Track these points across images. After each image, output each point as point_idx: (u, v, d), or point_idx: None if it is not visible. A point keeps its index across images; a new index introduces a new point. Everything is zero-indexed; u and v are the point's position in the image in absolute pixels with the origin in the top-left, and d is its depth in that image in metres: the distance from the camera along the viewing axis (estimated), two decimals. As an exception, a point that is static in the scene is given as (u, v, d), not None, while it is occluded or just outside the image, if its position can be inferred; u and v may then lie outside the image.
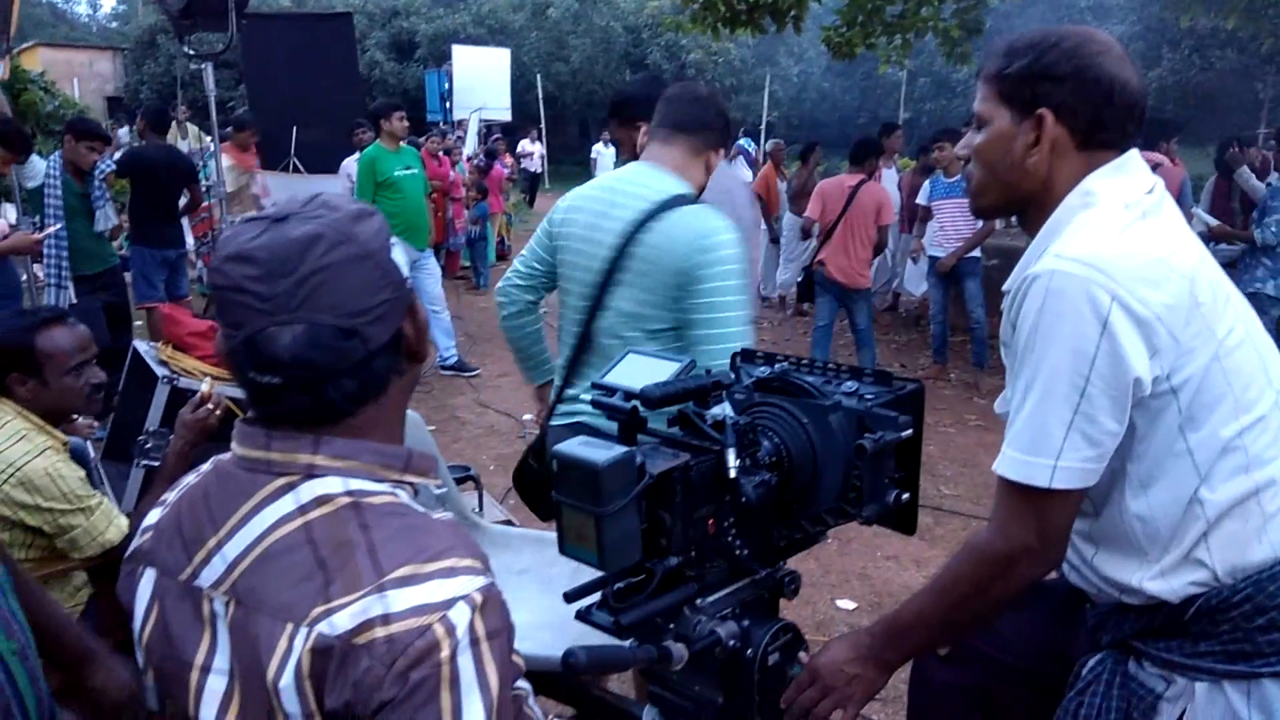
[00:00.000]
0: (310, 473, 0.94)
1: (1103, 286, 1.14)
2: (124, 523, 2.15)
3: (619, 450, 1.18)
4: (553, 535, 2.21)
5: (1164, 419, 1.20)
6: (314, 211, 0.94)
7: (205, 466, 1.06)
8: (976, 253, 6.18)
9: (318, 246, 0.90)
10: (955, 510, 4.33)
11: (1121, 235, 1.20)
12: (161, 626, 1.00)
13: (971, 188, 1.39)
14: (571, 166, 23.91)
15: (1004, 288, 1.31)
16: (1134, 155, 1.30)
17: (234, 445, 1.00)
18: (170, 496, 1.08)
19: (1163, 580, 1.23)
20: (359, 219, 0.95)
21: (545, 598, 1.98)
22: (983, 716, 1.59)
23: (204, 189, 6.61)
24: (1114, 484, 1.24)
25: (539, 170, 18.18)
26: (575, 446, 1.19)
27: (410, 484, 1.00)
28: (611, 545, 1.16)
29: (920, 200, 6.50)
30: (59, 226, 4.94)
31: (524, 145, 17.99)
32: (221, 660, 0.94)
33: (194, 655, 0.96)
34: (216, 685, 0.95)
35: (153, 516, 1.07)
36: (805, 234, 6.67)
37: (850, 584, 3.66)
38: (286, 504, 0.93)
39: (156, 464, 2.54)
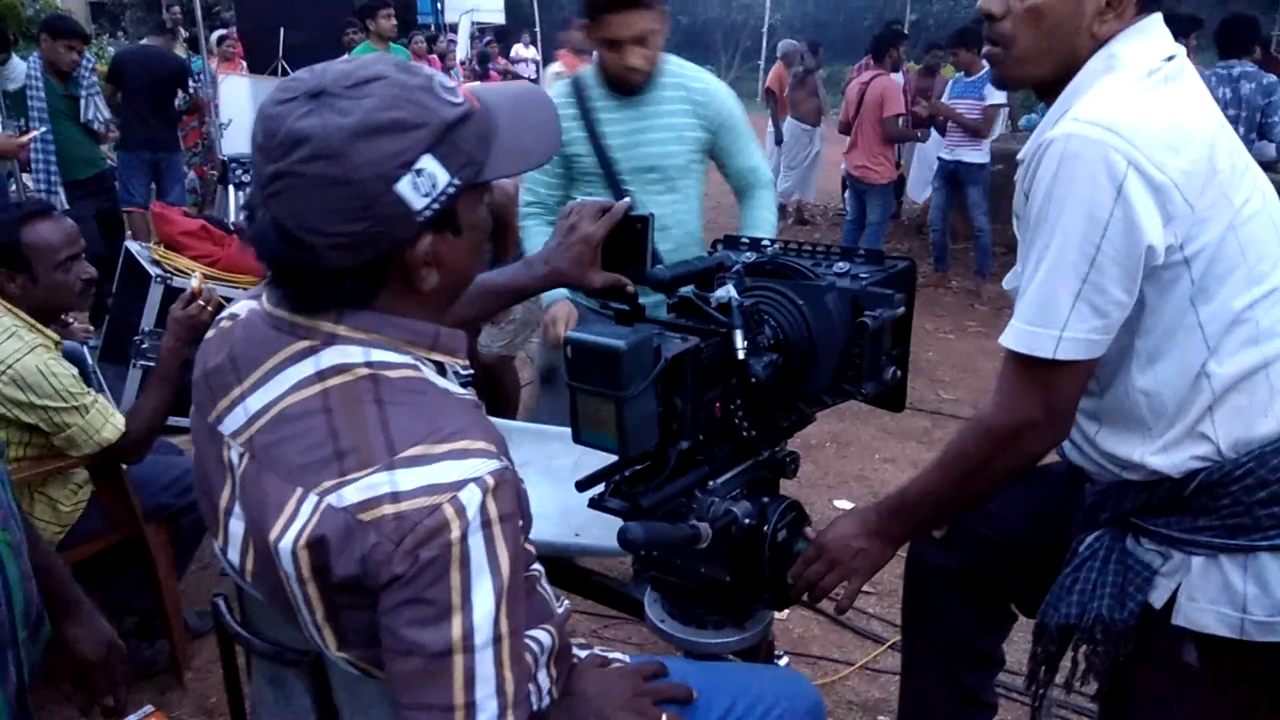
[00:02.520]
0: (332, 340, 0.92)
1: (1120, 151, 1.10)
2: (120, 421, 2.15)
3: (639, 333, 1.17)
4: (553, 429, 2.23)
5: (1175, 291, 1.17)
6: (343, 99, 0.85)
7: (241, 310, 1.03)
8: (981, 157, 6.07)
9: (301, 149, 0.84)
10: (955, 414, 4.34)
11: (1142, 99, 1.15)
12: (200, 461, 1.03)
13: (1012, 52, 1.25)
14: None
15: (1019, 156, 1.27)
16: (1157, 17, 1.24)
17: (263, 299, 0.99)
18: (210, 334, 1.05)
19: (1165, 455, 1.22)
20: (370, 135, 0.84)
21: (548, 487, 1.99)
22: (979, 597, 1.61)
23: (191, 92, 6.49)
24: (1120, 359, 1.22)
25: (535, 78, 17.75)
26: (590, 333, 1.17)
27: (436, 361, 0.98)
28: (632, 429, 1.16)
29: (944, 100, 6.30)
30: (44, 129, 4.83)
31: (517, 50, 17.52)
32: (239, 506, 0.96)
33: (220, 497, 0.99)
34: (237, 529, 0.97)
35: (207, 339, 1.06)
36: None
37: (849, 485, 3.70)
38: (306, 368, 0.92)
39: (153, 364, 2.53)
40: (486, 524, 0.85)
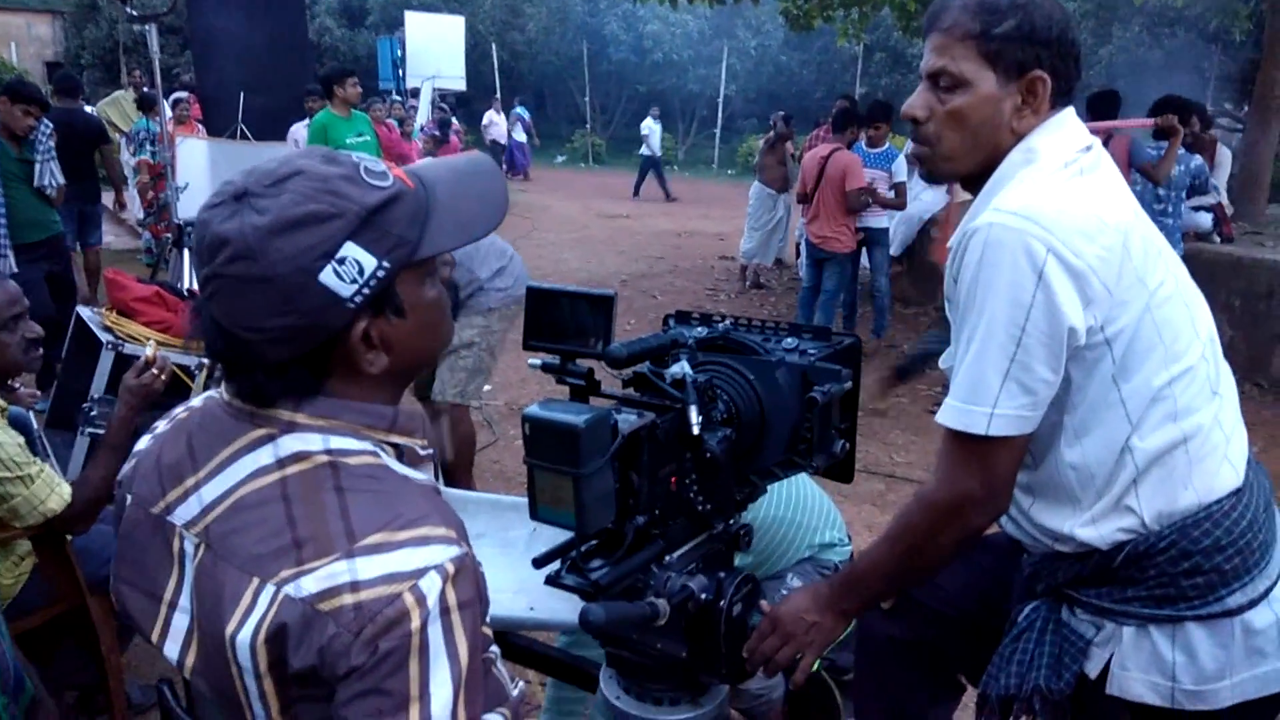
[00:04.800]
0: (291, 427, 0.93)
1: (1039, 239, 1.17)
2: (66, 491, 2.11)
3: (596, 410, 1.18)
4: (508, 499, 2.24)
5: (1099, 370, 1.23)
6: (262, 198, 0.87)
7: (196, 402, 1.05)
8: (886, 222, 6.48)
9: (224, 252, 0.86)
10: (907, 477, 4.40)
11: (1059, 190, 1.23)
12: (135, 553, 1.00)
13: (939, 151, 1.32)
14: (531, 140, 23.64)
15: (948, 244, 1.33)
16: (1069, 111, 1.32)
17: (223, 388, 0.99)
18: (160, 426, 1.07)
19: (1093, 527, 1.27)
20: (286, 231, 0.85)
21: (504, 560, 1.99)
22: (928, 667, 1.64)
23: (149, 155, 6.53)
24: (1051, 435, 1.28)
25: (506, 143, 17.94)
26: (547, 410, 1.18)
27: (394, 445, 0.98)
28: (590, 505, 1.16)
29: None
30: (-3, 194, 4.79)
31: (489, 116, 17.72)
32: (186, 599, 0.95)
33: (163, 590, 0.97)
34: (181, 623, 0.95)
35: (142, 443, 1.07)
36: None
37: (803, 549, 3.71)
38: (264, 455, 0.92)
39: (101, 431, 2.50)
40: (446, 611, 0.85)
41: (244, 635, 0.86)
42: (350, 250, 0.88)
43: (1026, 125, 1.29)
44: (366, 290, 0.89)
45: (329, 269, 0.87)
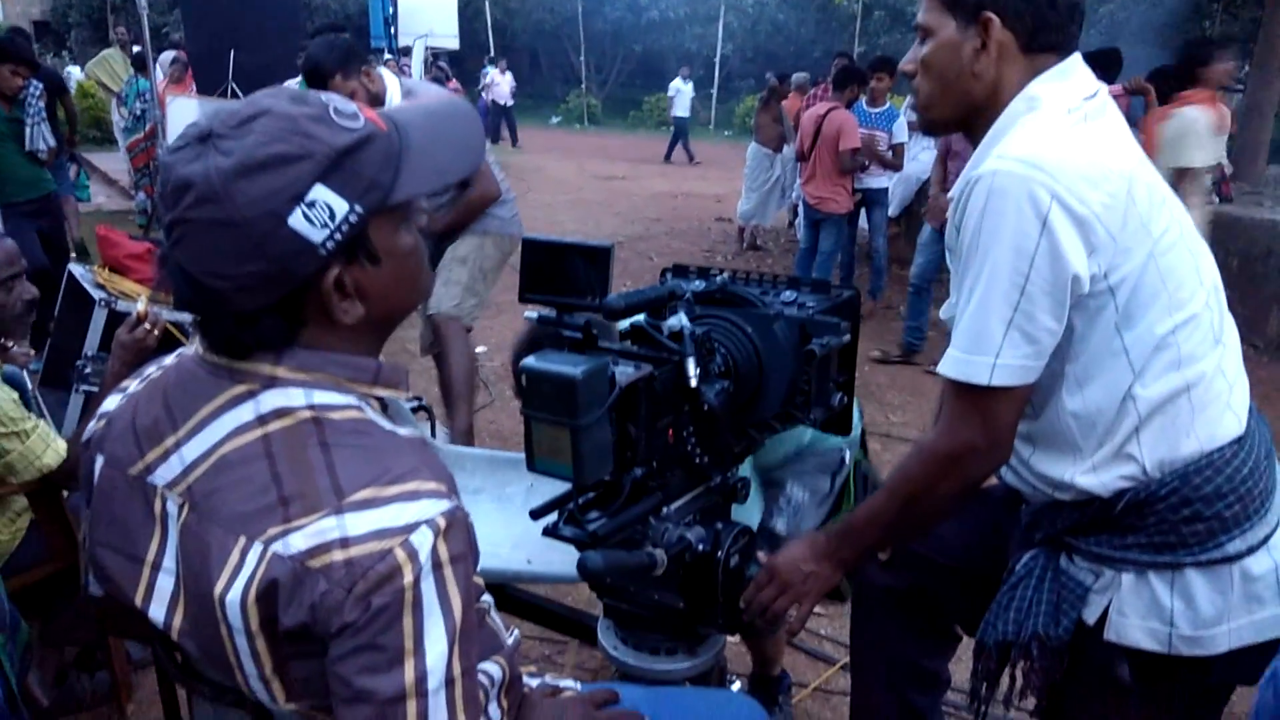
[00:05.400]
0: (271, 382, 0.91)
1: (1043, 185, 1.15)
2: (62, 447, 2.11)
3: (593, 361, 1.18)
4: (505, 455, 2.23)
5: (1101, 318, 1.22)
6: (227, 139, 0.84)
7: (169, 359, 1.02)
8: (886, 182, 6.38)
9: (186, 196, 0.84)
10: (903, 437, 4.41)
11: (1062, 137, 1.21)
12: (109, 516, 0.98)
13: (921, 101, 1.38)
14: (528, 100, 23.36)
15: (949, 194, 1.32)
16: (1076, 59, 1.31)
17: (198, 344, 0.96)
18: (131, 385, 1.04)
19: (1094, 475, 1.27)
20: (251, 172, 0.83)
21: (501, 515, 1.99)
22: (924, 618, 1.65)
23: (138, 114, 6.44)
24: (1052, 384, 1.27)
25: (509, 104, 17.68)
26: (544, 361, 1.17)
27: (378, 398, 0.97)
28: (588, 456, 1.17)
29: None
30: (-16, 152, 4.74)
31: (491, 75, 17.46)
32: (170, 560, 0.93)
33: (145, 551, 0.95)
34: (165, 584, 0.94)
35: (110, 403, 1.04)
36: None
37: (799, 507, 3.73)
38: (245, 413, 0.90)
39: (95, 389, 2.48)
40: (438, 566, 0.84)
41: (233, 595, 0.85)
42: (320, 193, 0.85)
43: (988, 70, 1.29)
44: (339, 235, 0.86)
45: (298, 212, 0.84)
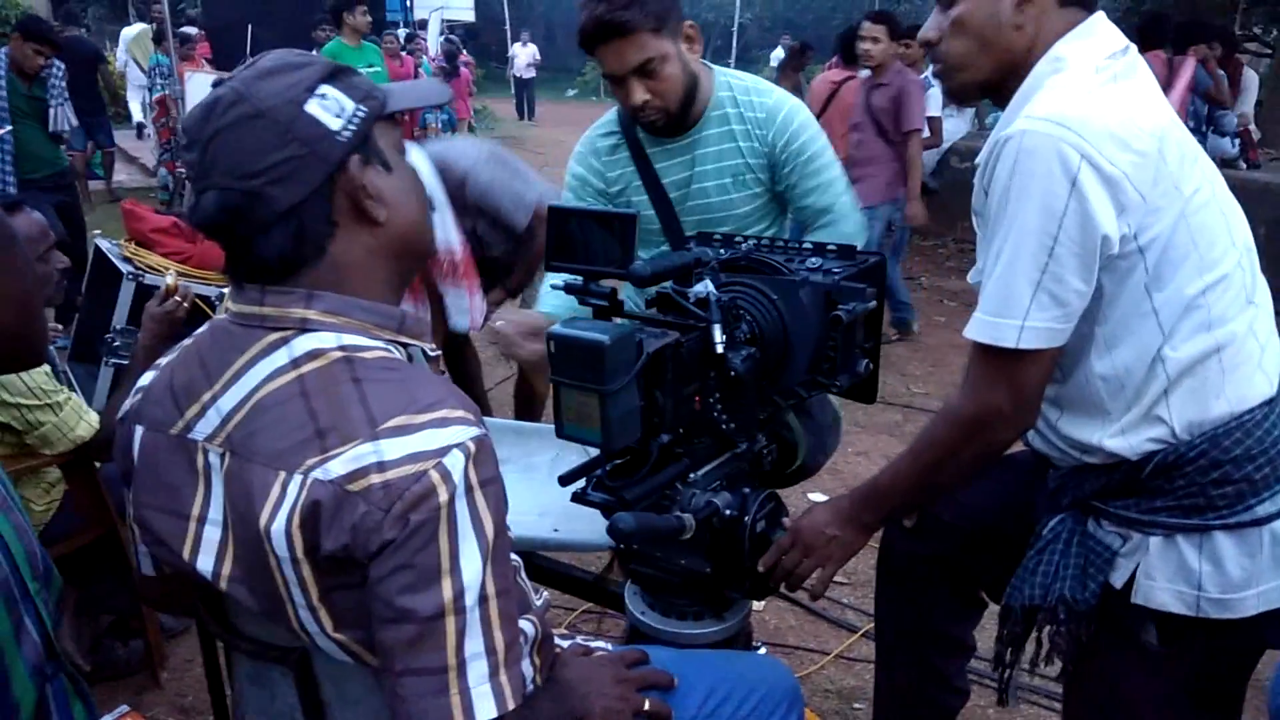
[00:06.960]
0: (304, 327, 0.95)
1: (1072, 145, 1.14)
2: (94, 419, 2.14)
3: (621, 327, 1.19)
4: (531, 426, 2.25)
5: (1131, 279, 1.21)
6: (241, 71, 0.95)
7: (201, 329, 1.06)
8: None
9: (215, 110, 0.92)
10: (925, 408, 4.40)
11: (1091, 95, 1.20)
12: (154, 480, 1.02)
13: (952, 64, 1.34)
14: (544, 73, 23.22)
15: (977, 160, 1.31)
16: (1101, 17, 1.29)
17: (229, 302, 1.00)
18: (164, 359, 1.08)
19: (1123, 438, 1.26)
20: (269, 75, 0.94)
21: (527, 484, 2.01)
22: (949, 584, 1.65)
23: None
24: (1080, 346, 1.26)
25: (531, 78, 17.57)
26: (574, 328, 1.19)
27: (403, 344, 1.01)
28: (616, 423, 1.18)
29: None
30: (5, 130, 4.77)
31: (514, 49, 17.37)
32: (216, 511, 0.97)
33: (190, 507, 0.98)
34: (212, 535, 0.97)
35: (145, 379, 1.08)
36: None
37: (821, 478, 3.71)
38: (280, 357, 0.94)
39: (125, 362, 2.52)
40: (470, 489, 0.88)
41: (278, 525, 0.88)
42: (328, 89, 0.95)
43: (1030, 22, 1.27)
44: (353, 126, 0.96)
45: (314, 100, 0.94)
